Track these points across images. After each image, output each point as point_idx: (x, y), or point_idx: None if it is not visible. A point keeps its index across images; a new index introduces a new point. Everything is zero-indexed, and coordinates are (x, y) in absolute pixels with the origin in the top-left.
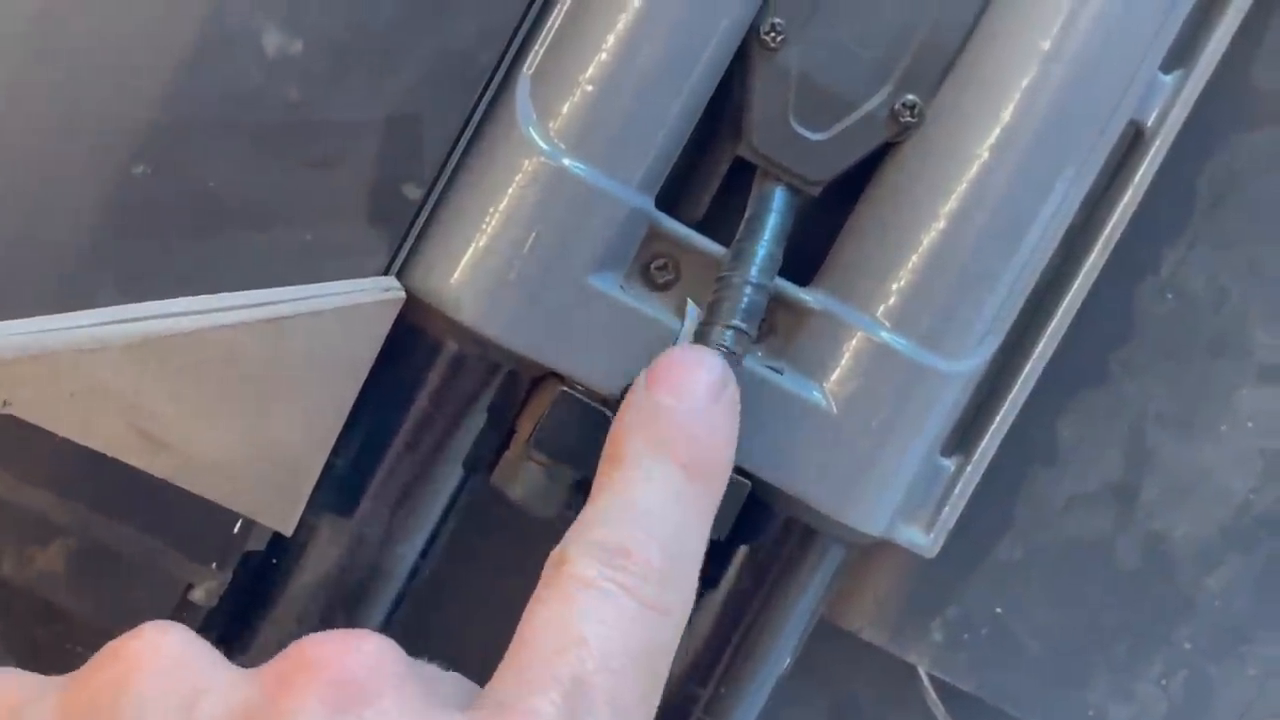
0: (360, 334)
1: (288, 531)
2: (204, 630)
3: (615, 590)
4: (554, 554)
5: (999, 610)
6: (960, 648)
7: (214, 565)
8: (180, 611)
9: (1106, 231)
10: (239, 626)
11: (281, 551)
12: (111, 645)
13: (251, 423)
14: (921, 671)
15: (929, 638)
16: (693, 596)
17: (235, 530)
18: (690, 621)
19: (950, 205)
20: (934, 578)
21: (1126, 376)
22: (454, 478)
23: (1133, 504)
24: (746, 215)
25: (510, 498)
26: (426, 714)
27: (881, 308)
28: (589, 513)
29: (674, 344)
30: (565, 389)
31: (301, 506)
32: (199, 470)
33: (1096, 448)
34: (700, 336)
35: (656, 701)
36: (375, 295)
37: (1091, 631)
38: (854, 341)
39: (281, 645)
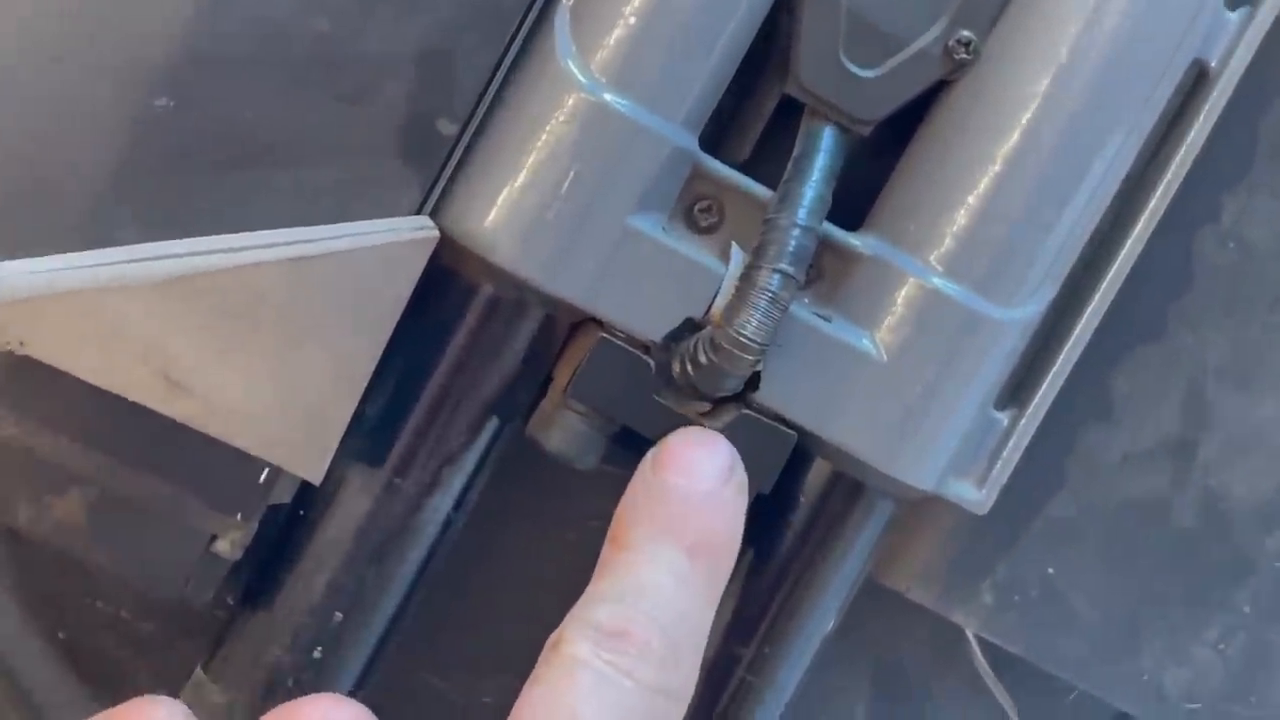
0: (392, 275)
1: (316, 481)
2: (229, 582)
3: (613, 672)
4: (553, 636)
5: (1050, 571)
6: (1010, 609)
7: (239, 516)
8: (204, 563)
9: (1167, 177)
10: (265, 580)
11: (308, 503)
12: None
13: (278, 367)
14: (969, 634)
15: (978, 598)
16: (694, 679)
17: (261, 480)
18: (732, 578)
19: (1006, 146)
20: (984, 536)
21: (1185, 329)
22: (489, 427)
23: (1190, 461)
24: (794, 155)
25: (546, 448)
26: None
27: (934, 253)
28: (590, 595)
29: (719, 289)
30: (604, 335)
31: (330, 455)
32: (223, 416)
33: (1153, 403)
34: (746, 279)
35: None
36: (408, 234)
37: (1146, 594)
38: (905, 288)
39: (310, 601)
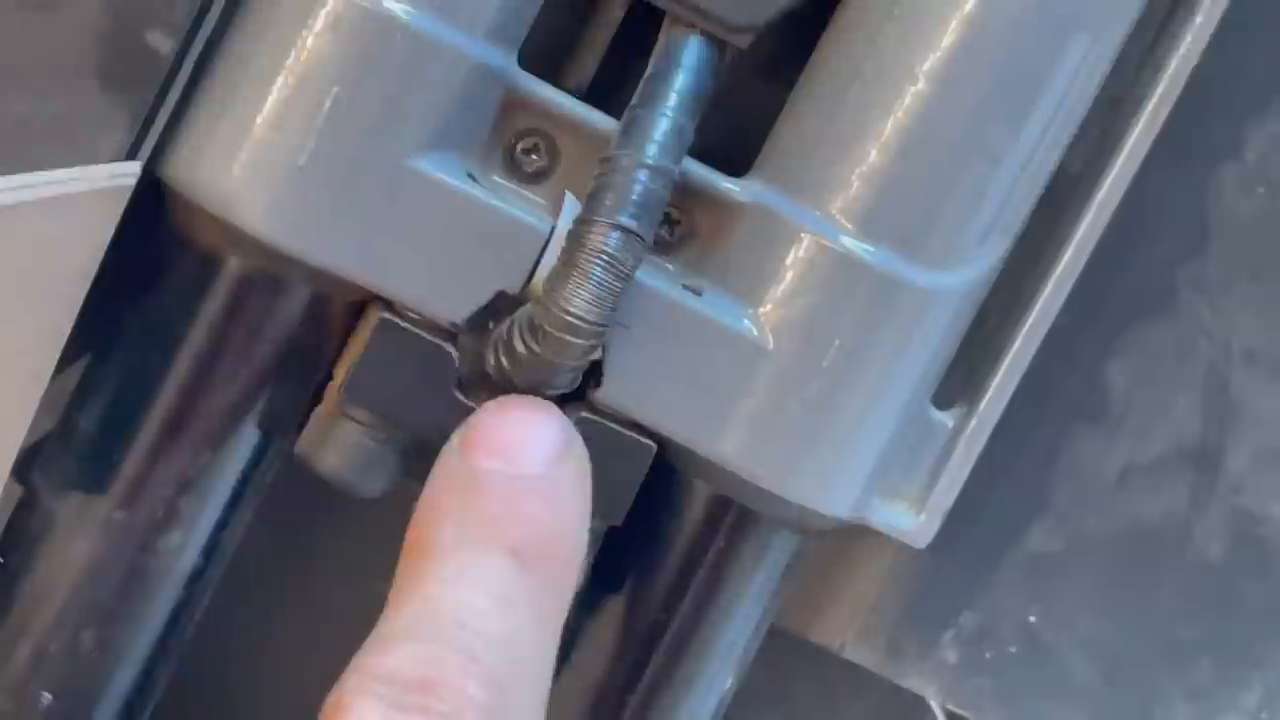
0: (69, 239)
1: None
2: None
3: None
4: (330, 696)
5: (1032, 619)
6: (981, 670)
7: None
8: None
9: (1156, 96)
10: None
11: (9, 548)
12: None
13: None
14: (935, 706)
15: (937, 656)
16: None
17: None
18: (586, 638)
19: (932, 60)
20: (942, 576)
21: (1201, 300)
22: (247, 444)
23: (1214, 474)
24: (645, 75)
25: (317, 470)
26: None
27: (839, 202)
28: (379, 629)
29: (542, 251)
30: (387, 316)
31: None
32: None
33: (1162, 398)
34: (574, 239)
35: None
36: (91, 184)
37: (1161, 646)
38: (799, 248)
39: (11, 677)
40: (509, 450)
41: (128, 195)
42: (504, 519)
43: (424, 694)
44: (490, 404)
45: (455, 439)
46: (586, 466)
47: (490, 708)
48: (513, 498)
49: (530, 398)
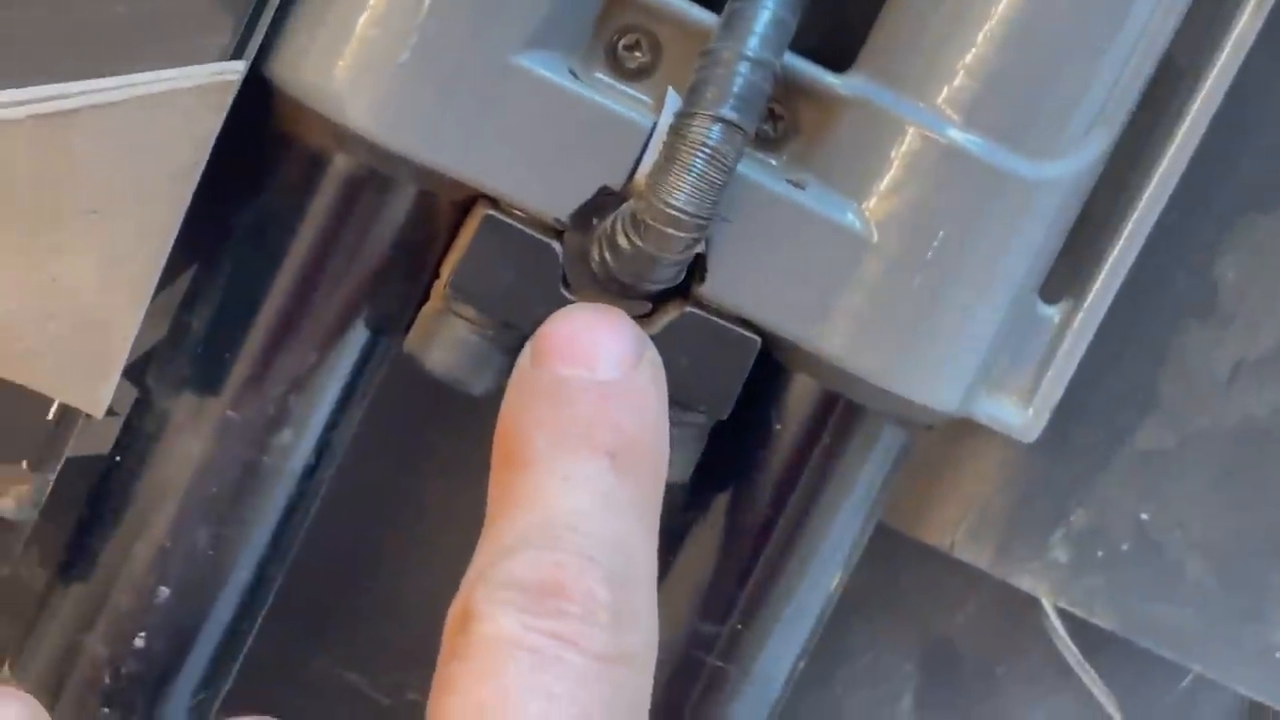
0: (174, 137)
1: (96, 413)
2: (29, 549)
3: (555, 646)
4: (454, 607)
5: (1144, 517)
6: (1093, 569)
7: (24, 464)
8: None
9: None
10: (80, 550)
11: (126, 448)
12: None
13: (34, 264)
14: (1045, 603)
15: (1048, 555)
16: (656, 628)
17: (50, 417)
18: (693, 534)
19: None
20: (1052, 474)
21: None
22: (351, 342)
23: None
24: None
25: (426, 367)
26: None
27: (943, 94)
28: (494, 539)
29: (644, 146)
30: (492, 213)
31: (113, 379)
32: None
33: (1272, 293)
34: (675, 133)
35: None
36: (196, 81)
37: (1272, 544)
38: (904, 141)
39: (131, 573)
40: (587, 357)
41: (233, 93)
42: (594, 424)
43: (555, 597)
44: (557, 314)
45: (528, 349)
46: (660, 368)
47: (615, 604)
48: (598, 403)
49: (597, 304)
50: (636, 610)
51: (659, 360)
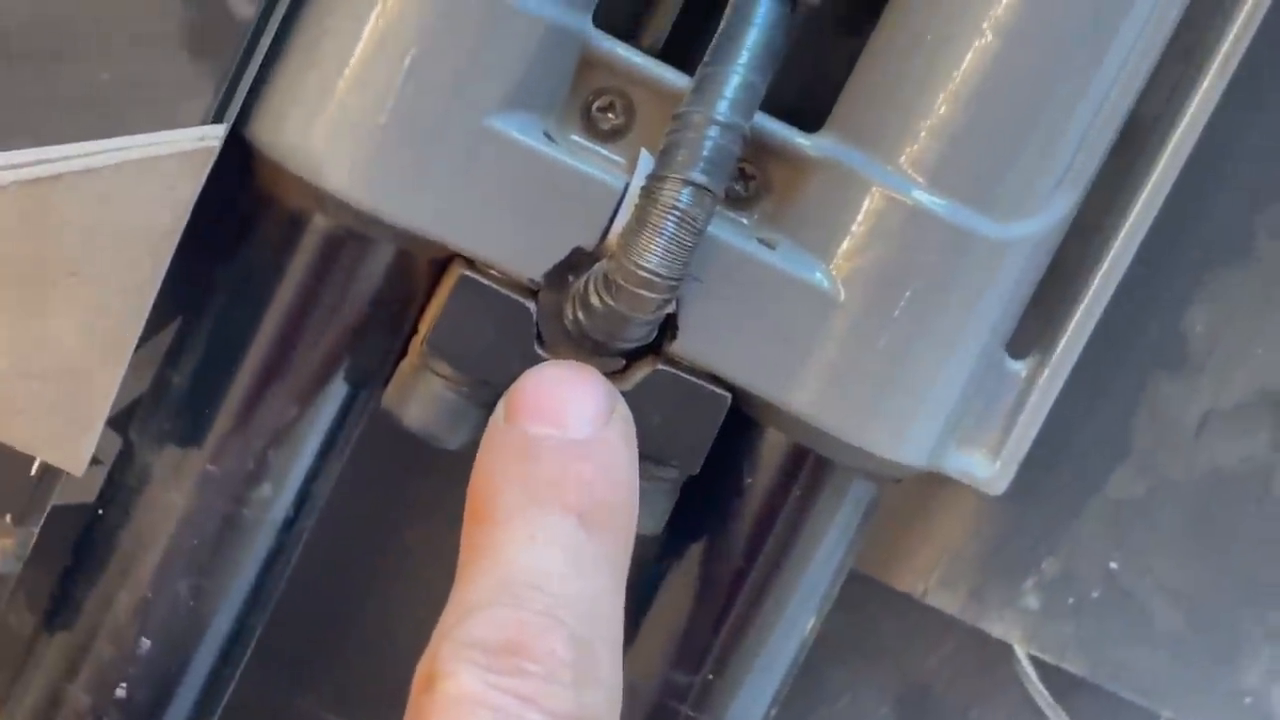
0: (157, 200)
1: (76, 471)
2: (15, 597)
3: (517, 705)
4: (421, 667)
5: (1114, 565)
6: (1063, 616)
7: (8, 518)
8: None
9: (1230, 40)
10: (65, 600)
11: (109, 500)
12: None
13: (15, 324)
14: (1018, 651)
15: (1019, 602)
16: (620, 686)
17: (33, 472)
18: (666, 585)
19: (999, 13)
20: (1023, 522)
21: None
22: (335, 396)
23: None
24: (718, 32)
25: (403, 422)
26: None
27: (909, 156)
28: (458, 597)
29: (617, 207)
30: (467, 274)
31: (92, 437)
32: None
33: (1243, 343)
34: (647, 195)
35: None
36: (177, 146)
37: (1244, 590)
38: (871, 202)
39: (113, 623)
40: (557, 416)
41: (213, 158)
42: (563, 483)
43: (517, 656)
44: (530, 372)
45: (501, 406)
46: (631, 425)
47: (578, 665)
48: (568, 462)
49: (569, 362)
50: (599, 669)
51: (630, 416)
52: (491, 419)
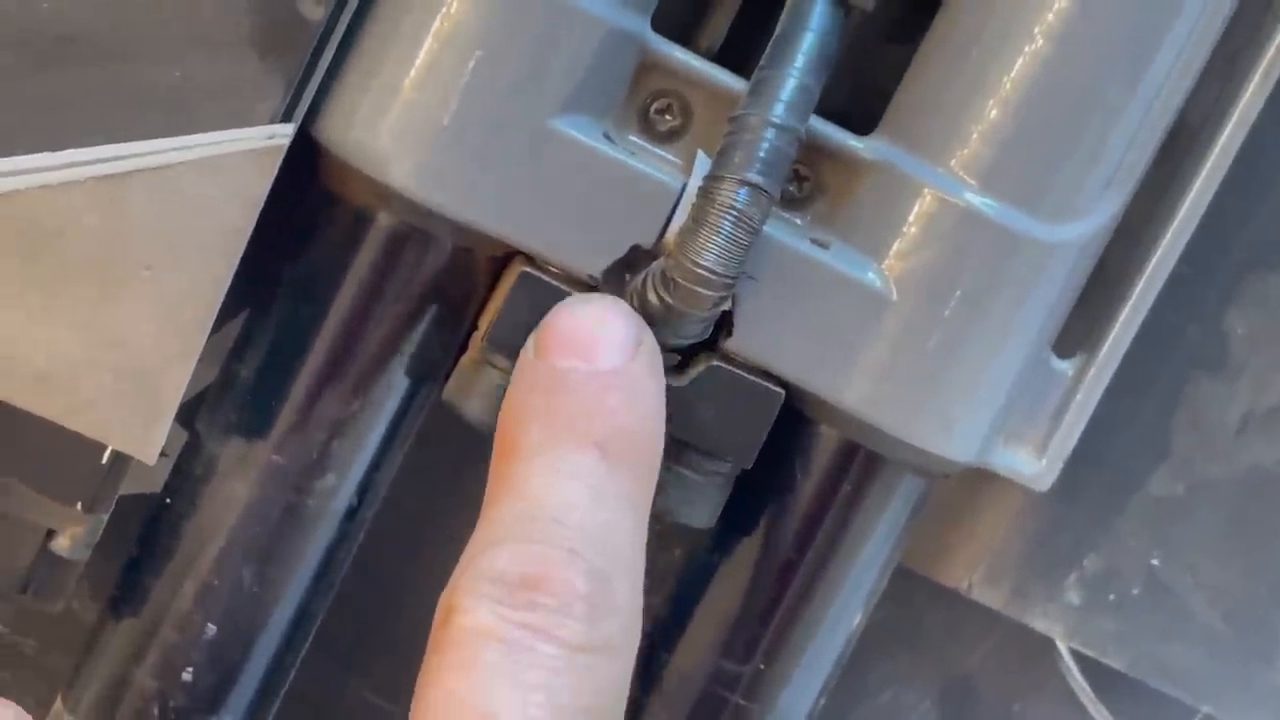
0: (226, 197)
1: (149, 460)
2: (86, 587)
3: (529, 638)
4: (443, 598)
5: (1155, 562)
6: (1105, 612)
7: (79, 506)
8: (45, 564)
9: (1275, 45)
10: (131, 587)
11: (175, 490)
12: None
13: (90, 317)
14: (1060, 645)
15: (1062, 598)
16: (639, 618)
17: (104, 461)
18: (719, 576)
19: (1050, 18)
20: (1066, 519)
21: None
22: (391, 390)
23: None
24: (774, 36)
25: (463, 416)
26: None
27: (960, 158)
28: (481, 531)
29: (674, 207)
30: (528, 270)
31: (163, 427)
32: (25, 380)
33: None
34: (704, 195)
35: None
36: (247, 144)
37: None
38: (921, 203)
39: (179, 609)
40: (585, 349)
41: (282, 155)
42: (587, 415)
43: (532, 590)
44: (560, 305)
45: (531, 341)
46: (658, 358)
47: (594, 598)
48: (593, 394)
49: (598, 294)
50: (616, 601)
51: (657, 349)
52: (521, 353)
